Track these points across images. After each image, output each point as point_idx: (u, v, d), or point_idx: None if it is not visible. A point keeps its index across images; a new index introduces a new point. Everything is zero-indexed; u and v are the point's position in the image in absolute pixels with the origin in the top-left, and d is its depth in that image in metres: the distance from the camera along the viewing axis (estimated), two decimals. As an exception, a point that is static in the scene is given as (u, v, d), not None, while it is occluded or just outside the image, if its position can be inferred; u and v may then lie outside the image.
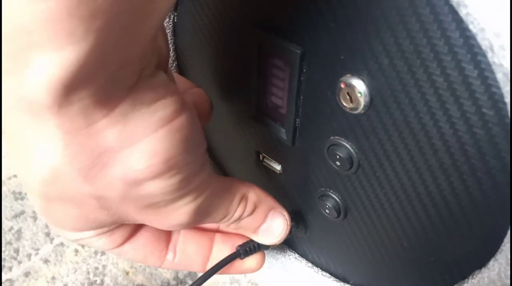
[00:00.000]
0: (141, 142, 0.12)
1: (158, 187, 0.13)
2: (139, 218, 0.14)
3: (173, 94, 0.13)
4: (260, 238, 0.19)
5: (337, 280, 0.25)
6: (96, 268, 0.35)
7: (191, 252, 0.19)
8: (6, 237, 0.37)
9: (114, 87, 0.11)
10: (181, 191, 0.14)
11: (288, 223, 0.20)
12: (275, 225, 0.19)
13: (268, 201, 0.19)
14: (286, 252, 0.27)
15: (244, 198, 0.18)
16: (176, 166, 0.13)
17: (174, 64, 0.26)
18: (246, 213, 0.18)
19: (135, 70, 0.11)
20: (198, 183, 0.14)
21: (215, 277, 0.36)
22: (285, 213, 0.20)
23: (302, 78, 0.18)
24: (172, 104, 0.12)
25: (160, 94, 0.12)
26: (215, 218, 0.17)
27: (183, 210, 0.15)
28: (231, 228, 0.18)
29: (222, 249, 0.20)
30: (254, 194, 0.18)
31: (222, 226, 0.18)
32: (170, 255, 0.19)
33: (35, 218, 0.39)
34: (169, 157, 0.12)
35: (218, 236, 0.20)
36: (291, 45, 0.17)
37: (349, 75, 0.16)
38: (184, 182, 0.14)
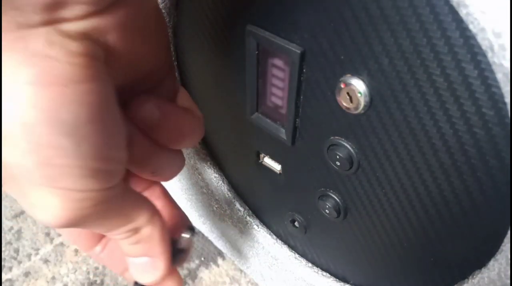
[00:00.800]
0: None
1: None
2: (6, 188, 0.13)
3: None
4: (129, 266, 0.18)
5: (337, 280, 0.25)
6: (96, 268, 0.35)
7: (117, 256, 0.19)
8: (6, 237, 0.37)
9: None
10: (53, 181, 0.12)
11: (157, 277, 0.17)
12: (143, 269, 0.17)
13: (158, 247, 0.16)
14: (287, 252, 0.27)
15: (138, 228, 0.15)
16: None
17: (174, 64, 0.26)
18: (128, 241, 0.16)
19: None
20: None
21: (214, 276, 0.36)
22: (162, 268, 0.17)
23: (302, 78, 0.18)
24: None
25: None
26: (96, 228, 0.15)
27: (50, 202, 0.12)
28: (109, 236, 0.17)
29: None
30: (153, 230, 0.16)
31: None
32: (98, 248, 0.19)
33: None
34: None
35: None
36: (291, 45, 0.17)
37: (349, 75, 0.16)
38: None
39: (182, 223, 0.20)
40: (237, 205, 0.29)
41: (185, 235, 0.19)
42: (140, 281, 0.18)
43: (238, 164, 0.27)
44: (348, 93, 0.16)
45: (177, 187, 0.35)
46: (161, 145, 0.17)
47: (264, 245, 0.28)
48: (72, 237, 0.19)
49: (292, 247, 0.27)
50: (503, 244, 0.15)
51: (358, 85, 0.16)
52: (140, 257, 0.17)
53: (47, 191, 0.12)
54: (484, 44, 0.12)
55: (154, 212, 0.16)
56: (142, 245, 0.16)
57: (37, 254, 0.36)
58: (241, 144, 0.25)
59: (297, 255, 0.27)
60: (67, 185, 0.12)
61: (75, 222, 0.13)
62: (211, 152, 0.29)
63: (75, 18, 0.11)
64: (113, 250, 0.19)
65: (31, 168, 0.11)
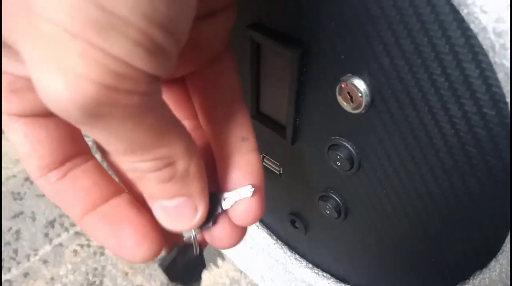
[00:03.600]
0: None
1: None
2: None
3: None
4: (155, 211, 0.13)
5: (338, 281, 0.25)
6: (95, 269, 0.35)
7: (81, 188, 0.14)
8: (5, 237, 0.37)
9: None
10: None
11: (195, 223, 0.14)
12: (177, 213, 0.13)
13: (196, 185, 0.13)
14: (287, 253, 0.27)
15: (173, 161, 0.12)
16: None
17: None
18: (158, 177, 0.12)
19: None
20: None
21: (214, 277, 0.36)
22: (201, 210, 0.13)
23: (302, 78, 0.18)
24: None
25: None
26: (120, 141, 0.10)
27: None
28: (128, 171, 0.12)
29: (118, 207, 0.14)
30: (190, 165, 0.12)
31: (117, 160, 0.12)
32: (54, 174, 0.13)
33: (34, 219, 0.38)
34: None
35: (122, 198, 0.14)
36: (291, 45, 0.17)
37: (349, 75, 0.16)
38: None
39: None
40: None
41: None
42: (174, 228, 0.13)
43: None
44: (348, 93, 0.16)
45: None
46: None
47: (264, 246, 0.28)
48: (27, 146, 0.13)
49: (292, 248, 0.27)
50: (504, 244, 0.15)
51: (359, 85, 0.16)
52: (173, 199, 0.13)
53: (80, 46, 0.08)
54: (485, 44, 0.12)
55: (193, 143, 0.12)
56: (176, 182, 0.12)
57: (36, 254, 0.36)
58: (241, 144, 0.25)
59: (297, 256, 0.27)
60: (111, 46, 0.08)
61: (96, 111, 0.09)
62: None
63: None
64: (76, 182, 0.14)
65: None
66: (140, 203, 0.14)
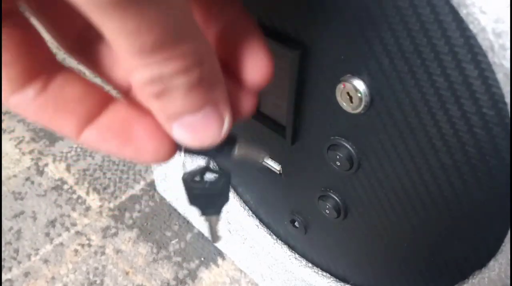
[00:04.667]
0: None
1: None
2: None
3: None
4: (176, 131, 0.12)
5: (337, 280, 0.25)
6: (96, 268, 0.35)
7: (70, 96, 0.12)
8: (5, 237, 0.37)
9: None
10: None
11: (223, 133, 0.12)
12: (204, 126, 0.12)
13: (221, 89, 0.12)
14: (287, 252, 0.27)
15: (201, 59, 0.10)
16: None
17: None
18: (187, 80, 0.10)
19: None
20: None
21: (214, 277, 0.36)
22: (228, 117, 0.12)
23: (302, 78, 0.18)
24: None
25: None
26: (152, 31, 0.09)
27: None
28: (151, 82, 0.10)
29: (120, 112, 0.12)
30: (215, 65, 0.11)
31: (139, 77, 0.10)
32: (34, 85, 0.11)
33: (34, 218, 0.39)
34: None
35: (120, 103, 0.12)
36: (291, 45, 0.17)
37: (349, 75, 0.16)
38: None
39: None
40: (237, 205, 0.28)
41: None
42: (201, 143, 0.12)
43: (238, 163, 0.27)
44: (348, 93, 0.16)
45: (177, 186, 0.35)
46: None
47: (264, 245, 0.28)
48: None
49: (292, 247, 0.27)
50: (503, 244, 0.15)
51: (358, 85, 0.16)
52: (200, 110, 0.11)
53: None
54: (484, 44, 0.12)
55: (211, 46, 0.11)
56: (203, 87, 0.11)
57: (36, 254, 0.36)
58: (241, 144, 0.25)
59: (297, 255, 0.27)
60: None
61: None
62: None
63: None
64: (62, 91, 0.12)
65: None
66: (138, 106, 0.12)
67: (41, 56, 0.12)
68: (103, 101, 0.12)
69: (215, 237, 0.15)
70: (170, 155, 0.12)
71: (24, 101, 0.11)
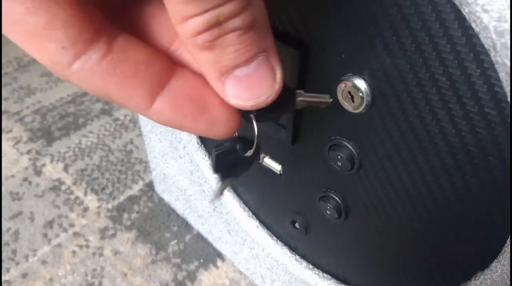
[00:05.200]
0: None
1: None
2: None
3: None
4: (229, 89, 0.11)
5: (338, 281, 0.25)
6: (94, 270, 0.35)
7: (137, 59, 0.11)
8: (3, 237, 0.37)
9: None
10: None
11: (278, 85, 0.11)
12: (257, 79, 0.11)
13: (270, 35, 0.11)
14: (287, 254, 0.27)
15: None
16: None
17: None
18: (240, 22, 0.10)
19: None
20: None
21: (214, 278, 0.36)
22: (279, 69, 0.11)
23: (302, 77, 0.18)
24: None
25: None
26: None
27: None
28: (208, 27, 0.09)
29: (189, 80, 0.11)
30: (263, 8, 0.10)
31: (187, 31, 0.09)
32: (98, 47, 0.10)
33: (32, 219, 0.38)
34: None
35: (185, 70, 0.12)
36: (291, 45, 0.17)
37: (350, 74, 0.16)
38: None
39: None
40: (237, 206, 0.28)
41: None
42: (257, 99, 0.11)
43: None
44: (349, 92, 0.16)
45: (176, 187, 0.35)
46: None
47: (264, 246, 0.28)
48: (42, 15, 0.09)
49: (292, 249, 0.27)
50: (506, 245, 0.15)
51: (360, 84, 0.16)
52: (252, 60, 0.10)
53: None
54: (486, 43, 0.12)
55: None
56: (255, 33, 0.10)
57: (34, 255, 0.36)
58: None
59: (297, 257, 0.27)
60: None
61: None
62: (210, 152, 0.28)
63: None
64: (128, 54, 0.10)
65: None
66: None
67: (98, 14, 0.10)
68: (169, 67, 0.11)
69: (218, 197, 0.15)
70: (238, 125, 0.12)
71: (88, 67, 0.10)
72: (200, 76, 0.11)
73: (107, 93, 0.10)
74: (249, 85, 0.11)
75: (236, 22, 0.10)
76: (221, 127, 0.11)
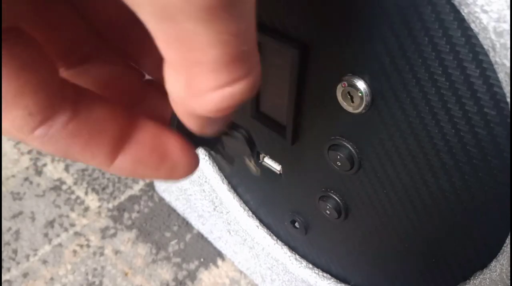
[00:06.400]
0: None
1: None
2: None
3: None
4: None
5: (338, 281, 0.25)
6: (95, 269, 0.35)
7: (101, 118, 0.10)
8: (4, 237, 0.37)
9: None
10: None
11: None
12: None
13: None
14: (287, 253, 0.27)
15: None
16: None
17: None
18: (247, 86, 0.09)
19: None
20: None
21: (214, 278, 0.36)
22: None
23: (302, 77, 0.18)
24: None
25: None
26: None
27: None
28: (213, 109, 0.09)
29: (148, 131, 0.11)
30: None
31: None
32: (65, 113, 0.10)
33: (33, 219, 0.38)
34: None
35: (146, 122, 0.11)
36: (291, 45, 0.17)
37: (350, 74, 0.16)
38: None
39: None
40: (237, 206, 0.28)
41: None
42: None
43: (238, 164, 0.27)
44: (349, 92, 0.16)
45: (176, 187, 0.35)
46: None
47: (264, 246, 0.28)
48: (15, 82, 0.09)
49: (292, 248, 0.27)
50: (505, 244, 0.15)
51: (359, 84, 0.16)
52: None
53: None
54: (486, 44, 0.12)
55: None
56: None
57: (35, 255, 0.36)
58: (241, 144, 0.24)
59: (297, 256, 0.27)
60: None
61: None
62: (210, 152, 0.28)
63: None
64: (90, 116, 0.10)
65: None
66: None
67: (58, 79, 0.10)
68: (129, 117, 0.11)
69: (229, 166, 0.15)
70: (197, 165, 0.12)
71: (53, 131, 0.09)
72: (159, 122, 0.12)
73: (70, 155, 0.10)
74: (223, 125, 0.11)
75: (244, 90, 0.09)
76: (182, 171, 0.12)
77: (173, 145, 0.11)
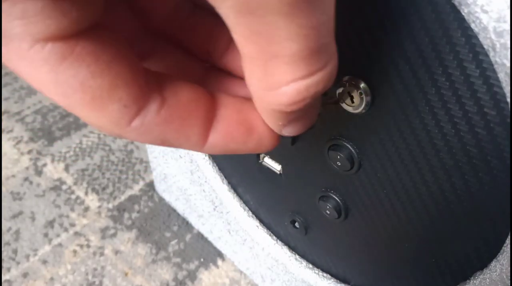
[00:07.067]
0: None
1: None
2: None
3: None
4: (283, 131, 0.11)
5: (338, 281, 0.25)
6: (95, 269, 0.35)
7: (188, 101, 0.11)
8: (4, 237, 0.37)
9: None
10: None
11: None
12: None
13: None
14: (287, 253, 0.27)
15: None
16: None
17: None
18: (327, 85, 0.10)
19: None
20: None
21: (214, 278, 0.36)
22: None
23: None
24: None
25: None
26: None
27: None
28: (291, 103, 0.09)
29: (231, 106, 0.11)
30: None
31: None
32: (155, 101, 0.10)
33: (33, 219, 0.38)
34: None
35: (227, 98, 0.12)
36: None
37: (350, 74, 0.16)
38: None
39: None
40: (237, 206, 0.28)
41: None
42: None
43: (238, 163, 0.27)
44: (349, 92, 0.16)
45: (176, 187, 0.35)
46: None
47: (264, 246, 0.28)
48: (107, 77, 0.09)
49: (292, 248, 0.27)
50: (505, 244, 0.15)
51: (359, 84, 0.16)
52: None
53: None
54: (486, 44, 0.12)
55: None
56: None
57: (35, 255, 0.36)
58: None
59: (297, 256, 0.27)
60: None
61: None
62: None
63: None
64: (178, 100, 0.10)
65: None
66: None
67: (142, 69, 0.10)
68: (211, 97, 0.11)
69: None
70: (280, 137, 0.12)
71: (148, 120, 0.10)
72: (238, 97, 0.12)
73: (165, 140, 0.11)
74: (305, 126, 0.12)
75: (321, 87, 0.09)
76: (268, 143, 0.12)
77: (257, 117, 0.11)
